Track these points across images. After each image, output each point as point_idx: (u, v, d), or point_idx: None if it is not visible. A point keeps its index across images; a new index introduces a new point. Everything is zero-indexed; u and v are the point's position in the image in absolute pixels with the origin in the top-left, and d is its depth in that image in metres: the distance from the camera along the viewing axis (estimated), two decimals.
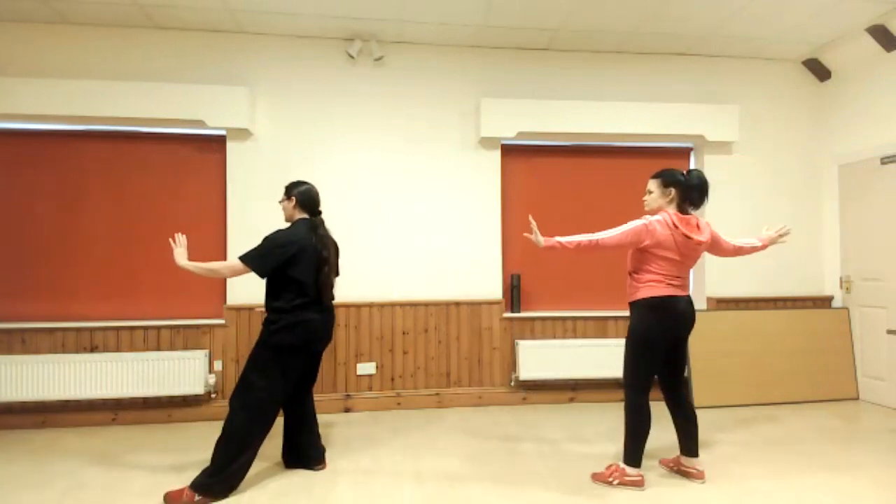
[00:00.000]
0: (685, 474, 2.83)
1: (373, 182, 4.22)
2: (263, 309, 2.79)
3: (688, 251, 2.64)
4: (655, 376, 2.75)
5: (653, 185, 2.75)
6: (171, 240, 2.76)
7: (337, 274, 2.94)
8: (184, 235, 2.75)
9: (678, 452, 2.92)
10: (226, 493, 2.61)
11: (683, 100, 4.53)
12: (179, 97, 3.82)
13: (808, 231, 4.67)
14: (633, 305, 2.71)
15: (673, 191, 2.69)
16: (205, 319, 3.99)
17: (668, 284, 2.64)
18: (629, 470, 2.70)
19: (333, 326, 2.91)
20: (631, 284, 2.74)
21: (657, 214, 2.68)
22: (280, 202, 2.88)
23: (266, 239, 2.67)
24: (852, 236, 4.47)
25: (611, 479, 2.73)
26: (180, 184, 4.09)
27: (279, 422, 3.76)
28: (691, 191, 2.69)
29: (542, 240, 2.70)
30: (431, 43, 4.30)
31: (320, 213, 2.89)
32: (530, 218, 2.83)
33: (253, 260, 2.62)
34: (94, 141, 4.02)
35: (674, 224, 2.61)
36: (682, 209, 2.71)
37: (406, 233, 4.24)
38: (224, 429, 2.61)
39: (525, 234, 2.82)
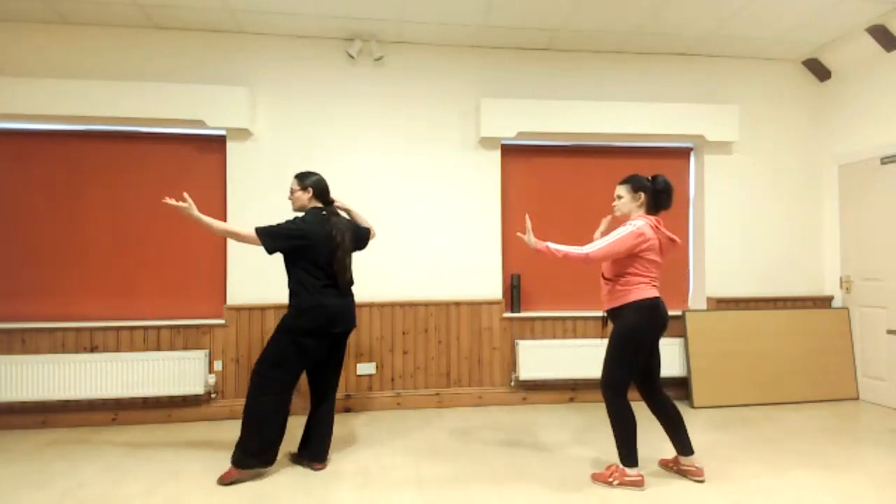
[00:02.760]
0: (684, 473, 2.84)
1: (373, 182, 4.22)
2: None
3: (666, 253, 2.73)
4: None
5: (622, 190, 2.80)
6: (170, 200, 2.64)
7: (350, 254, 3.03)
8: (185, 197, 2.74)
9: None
10: (262, 463, 2.78)
11: (683, 100, 4.53)
12: (179, 97, 3.82)
13: (808, 231, 4.67)
14: (626, 308, 2.70)
15: (642, 195, 2.76)
16: (205, 319, 3.99)
17: (654, 286, 2.71)
18: (628, 470, 2.71)
19: (354, 311, 3.00)
20: (615, 289, 2.73)
21: (637, 219, 2.71)
22: (294, 193, 2.94)
23: (285, 223, 2.79)
24: (852, 236, 4.47)
25: (611, 480, 2.73)
26: (180, 184, 4.09)
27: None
28: (660, 195, 2.77)
29: (534, 240, 2.72)
30: (431, 43, 4.30)
31: (332, 201, 3.00)
32: (527, 218, 2.85)
33: (265, 237, 2.73)
34: (93, 141, 4.02)
35: (656, 226, 2.69)
36: (649, 213, 2.77)
37: (406, 233, 4.24)
38: (246, 408, 2.80)
39: (518, 234, 2.82)
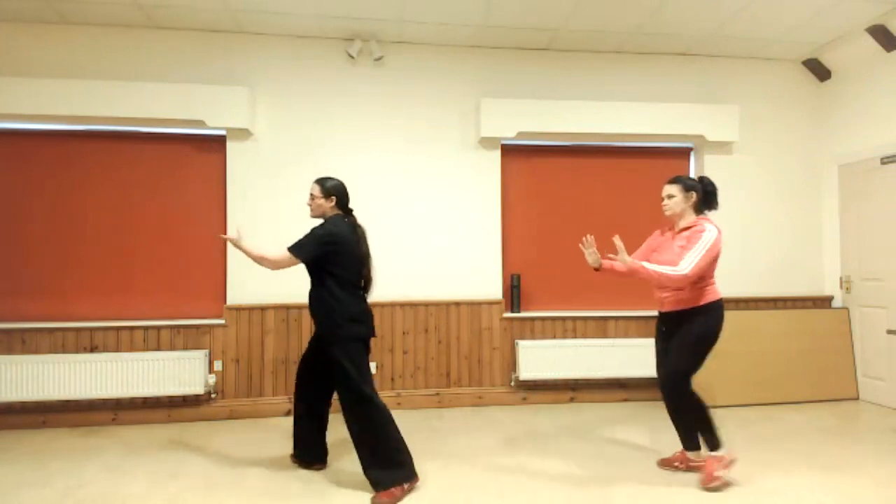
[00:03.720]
0: (693, 468, 2.87)
1: (373, 182, 4.22)
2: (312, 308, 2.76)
3: None
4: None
5: (673, 189, 2.79)
6: (224, 236, 2.76)
7: None
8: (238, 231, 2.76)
9: (678, 451, 2.97)
10: (414, 471, 2.66)
11: (683, 100, 4.53)
12: (179, 97, 3.82)
13: (808, 231, 4.67)
14: (703, 309, 2.71)
15: (694, 194, 2.77)
16: (205, 319, 3.99)
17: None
18: (720, 453, 2.72)
19: None
20: (693, 290, 2.71)
21: (705, 223, 2.72)
22: (315, 199, 2.80)
23: (313, 232, 2.68)
24: (852, 236, 4.47)
25: (719, 475, 2.69)
26: (180, 184, 4.09)
27: (284, 423, 3.77)
28: (710, 195, 2.80)
29: (628, 259, 2.64)
30: (431, 43, 4.30)
31: (352, 209, 2.90)
32: (616, 239, 2.68)
33: (297, 250, 2.64)
34: (93, 141, 4.02)
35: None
36: (699, 212, 2.79)
37: (406, 233, 4.24)
38: (365, 431, 2.60)
39: (609, 256, 2.72)
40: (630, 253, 2.88)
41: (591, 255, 2.82)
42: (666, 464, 2.97)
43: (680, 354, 2.73)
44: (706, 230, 2.67)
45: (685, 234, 2.74)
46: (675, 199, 2.78)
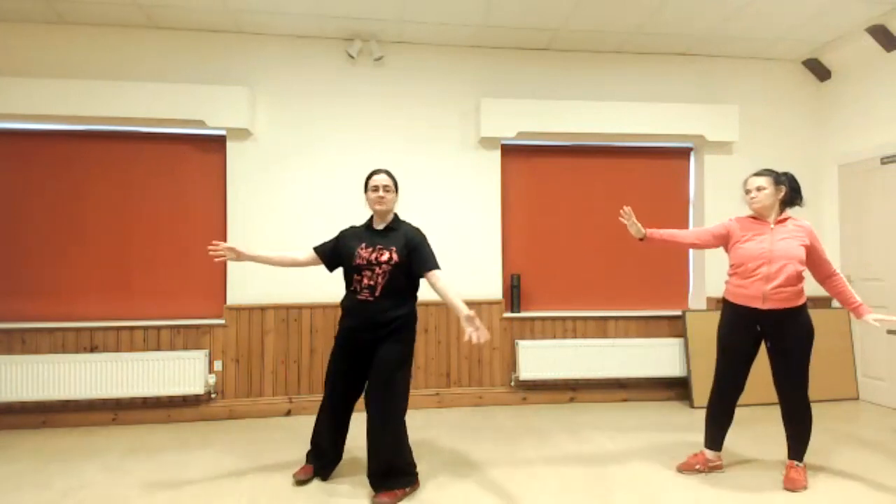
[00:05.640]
0: (713, 468, 2.89)
1: None
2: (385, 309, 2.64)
3: None
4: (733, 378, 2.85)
5: (764, 181, 2.72)
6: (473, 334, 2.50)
7: None
8: None
9: (692, 454, 2.97)
10: (416, 477, 2.71)
11: (683, 100, 4.52)
12: (179, 97, 3.82)
13: None
14: (804, 307, 2.69)
15: (784, 189, 2.73)
16: (205, 319, 3.99)
17: None
18: (803, 464, 2.77)
19: None
20: (798, 289, 2.67)
21: (802, 220, 2.72)
22: (390, 192, 2.74)
23: (424, 240, 2.74)
24: (852, 236, 4.47)
25: (805, 482, 2.71)
26: (180, 184, 4.09)
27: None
28: (795, 192, 2.77)
29: (869, 321, 2.60)
30: (431, 43, 4.29)
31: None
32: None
33: (436, 261, 2.70)
34: (93, 141, 4.01)
35: None
36: (783, 207, 2.76)
37: None
38: (395, 433, 2.59)
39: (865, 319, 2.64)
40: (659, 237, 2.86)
41: (632, 225, 2.79)
42: (687, 468, 2.91)
43: (802, 366, 2.68)
44: (810, 229, 2.70)
45: (788, 227, 2.69)
46: (765, 191, 2.70)
